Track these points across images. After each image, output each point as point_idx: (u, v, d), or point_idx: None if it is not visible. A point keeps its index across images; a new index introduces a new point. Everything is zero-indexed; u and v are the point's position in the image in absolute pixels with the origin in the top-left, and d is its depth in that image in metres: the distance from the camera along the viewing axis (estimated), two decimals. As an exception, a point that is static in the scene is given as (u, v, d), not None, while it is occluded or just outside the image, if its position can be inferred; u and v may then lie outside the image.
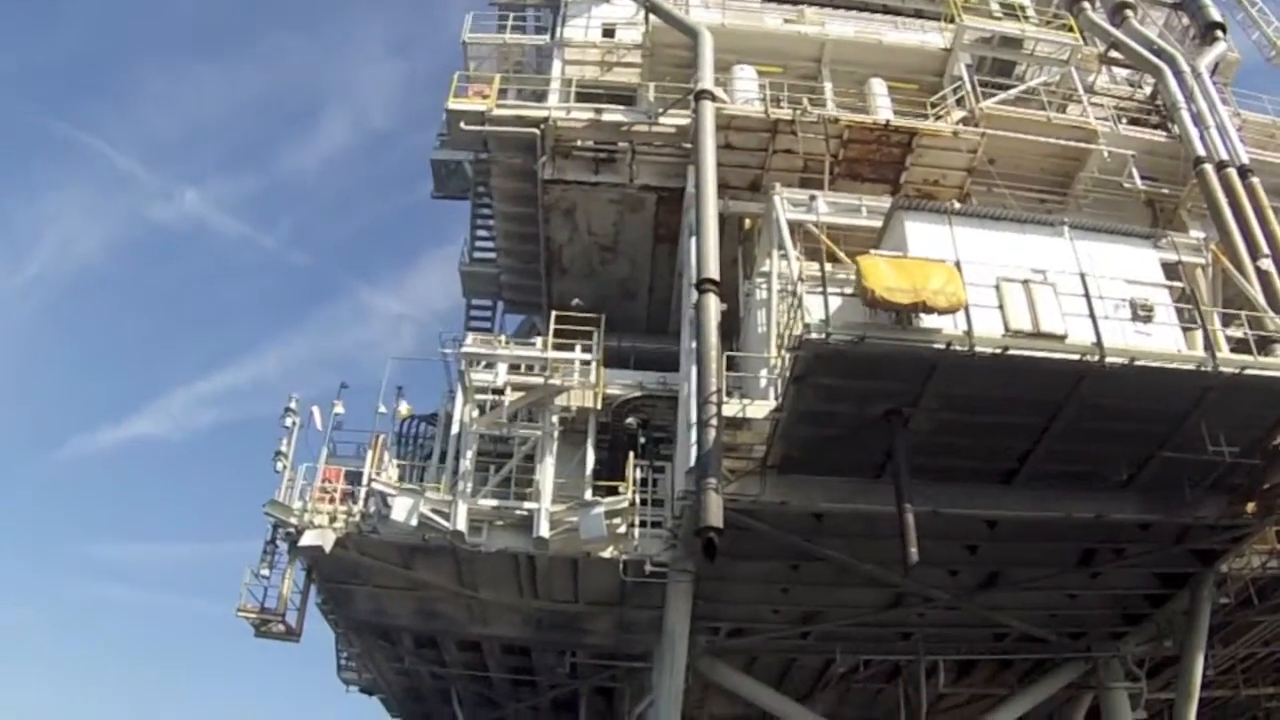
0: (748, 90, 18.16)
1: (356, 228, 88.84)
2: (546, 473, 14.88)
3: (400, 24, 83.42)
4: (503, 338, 17.16)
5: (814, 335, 11.09)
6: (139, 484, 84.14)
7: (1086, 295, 11.87)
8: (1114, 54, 20.04)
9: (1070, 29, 20.14)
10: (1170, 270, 13.45)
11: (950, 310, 11.24)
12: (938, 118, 17.89)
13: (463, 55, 20.50)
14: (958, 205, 14.46)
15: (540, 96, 18.99)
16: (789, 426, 12.31)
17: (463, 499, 14.51)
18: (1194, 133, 17.52)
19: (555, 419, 15.46)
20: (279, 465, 15.26)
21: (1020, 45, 20.04)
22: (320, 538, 14.42)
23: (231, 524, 61.88)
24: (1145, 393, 11.95)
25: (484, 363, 15.74)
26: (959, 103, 18.43)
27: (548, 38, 20.73)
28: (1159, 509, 13.61)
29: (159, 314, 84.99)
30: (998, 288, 11.79)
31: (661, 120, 17.62)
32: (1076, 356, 11.46)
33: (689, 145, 16.84)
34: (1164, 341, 12.13)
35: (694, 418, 13.15)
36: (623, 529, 14.42)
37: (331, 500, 15.04)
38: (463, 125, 17.76)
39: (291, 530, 14.77)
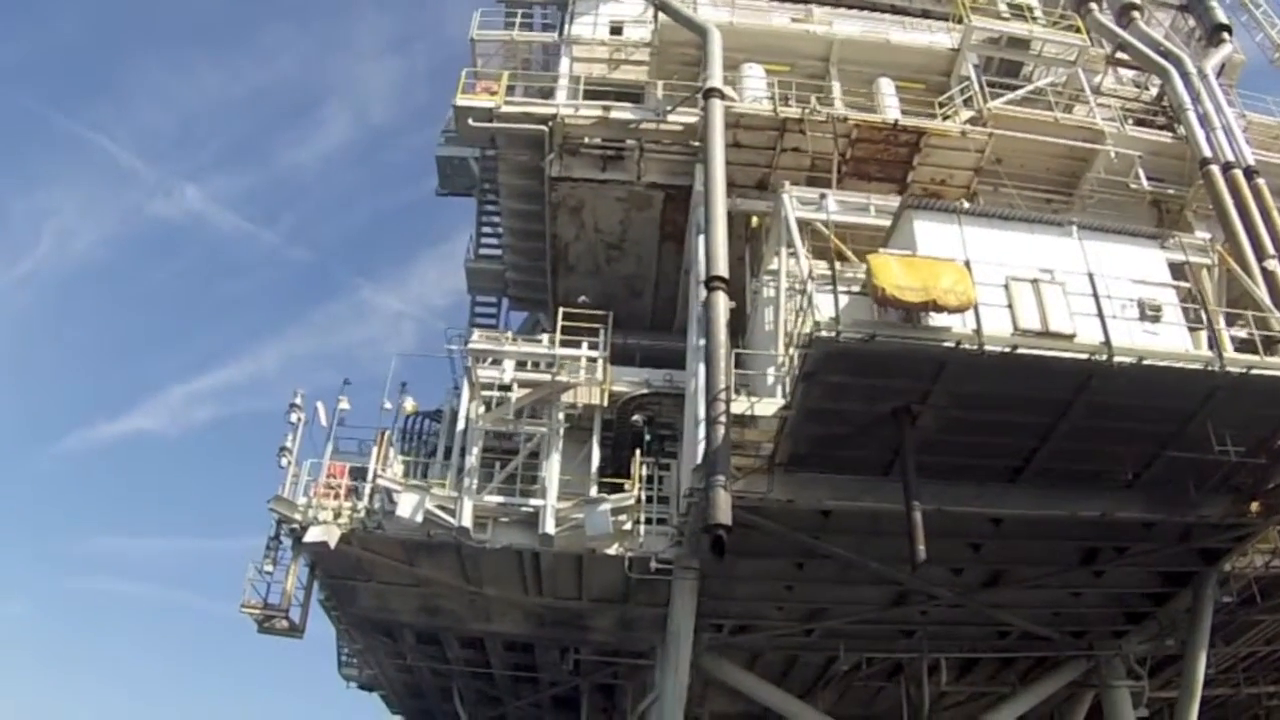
0: (756, 89, 18.22)
1: (356, 224, 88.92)
2: (552, 469, 14.89)
3: (400, 19, 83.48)
4: (509, 334, 17.19)
5: (825, 333, 11.14)
6: (137, 479, 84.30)
7: (1095, 295, 11.91)
8: (1121, 55, 20.09)
9: (1077, 30, 20.20)
10: (1176, 271, 13.51)
11: (960, 309, 11.29)
12: (945, 118, 17.96)
13: (470, 52, 20.45)
14: (966, 205, 14.49)
15: (548, 94, 18.93)
16: (797, 424, 12.34)
17: (468, 495, 14.51)
18: (1200, 134, 17.57)
19: (561, 416, 15.48)
20: (284, 461, 15.18)
21: (1028, 46, 20.09)
22: (325, 534, 14.38)
23: (230, 519, 61.94)
24: (1152, 392, 11.99)
25: (490, 359, 15.75)
26: (966, 103, 18.49)
27: (556, 35, 20.69)
28: (1163, 508, 13.67)
29: (158, 309, 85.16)
30: (1007, 287, 11.85)
31: (669, 118, 17.62)
32: (1085, 356, 11.51)
33: (696, 143, 16.89)
34: (1171, 341, 12.20)
35: (702, 415, 13.15)
36: (628, 526, 14.45)
37: (336, 496, 15.01)
38: (471, 122, 17.80)
39: (296, 526, 14.71)
